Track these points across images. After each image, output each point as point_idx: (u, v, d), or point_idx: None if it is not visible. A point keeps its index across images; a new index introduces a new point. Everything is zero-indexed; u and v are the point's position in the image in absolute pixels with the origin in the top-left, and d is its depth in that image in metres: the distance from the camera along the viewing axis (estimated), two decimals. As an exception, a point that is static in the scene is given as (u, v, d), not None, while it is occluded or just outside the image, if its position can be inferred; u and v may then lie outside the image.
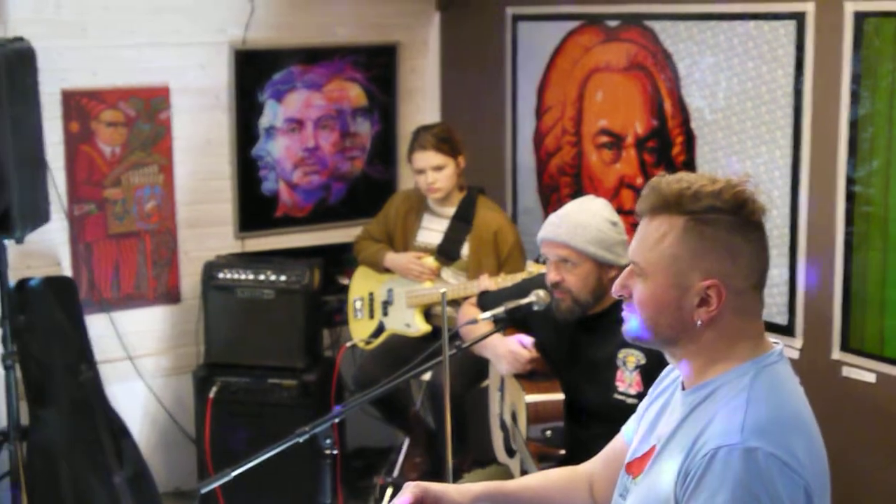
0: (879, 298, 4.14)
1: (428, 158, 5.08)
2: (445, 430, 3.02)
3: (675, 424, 2.16)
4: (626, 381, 3.56)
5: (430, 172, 5.08)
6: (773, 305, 4.50)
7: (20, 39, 4.69)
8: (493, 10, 5.77)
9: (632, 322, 2.21)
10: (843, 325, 4.26)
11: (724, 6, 4.60)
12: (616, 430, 2.56)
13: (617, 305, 3.19)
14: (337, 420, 3.22)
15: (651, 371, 3.22)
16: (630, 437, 2.43)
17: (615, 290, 2.22)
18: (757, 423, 2.00)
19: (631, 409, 2.57)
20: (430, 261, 5.14)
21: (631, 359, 3.55)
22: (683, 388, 2.21)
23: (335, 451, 3.26)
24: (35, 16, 5.09)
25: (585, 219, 3.64)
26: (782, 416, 2.04)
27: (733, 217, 2.09)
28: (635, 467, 2.25)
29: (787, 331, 4.46)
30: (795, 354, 4.43)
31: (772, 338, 2.22)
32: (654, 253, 2.13)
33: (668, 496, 2.07)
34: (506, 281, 4.54)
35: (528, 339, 3.81)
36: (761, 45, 4.47)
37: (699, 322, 2.11)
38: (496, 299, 3.94)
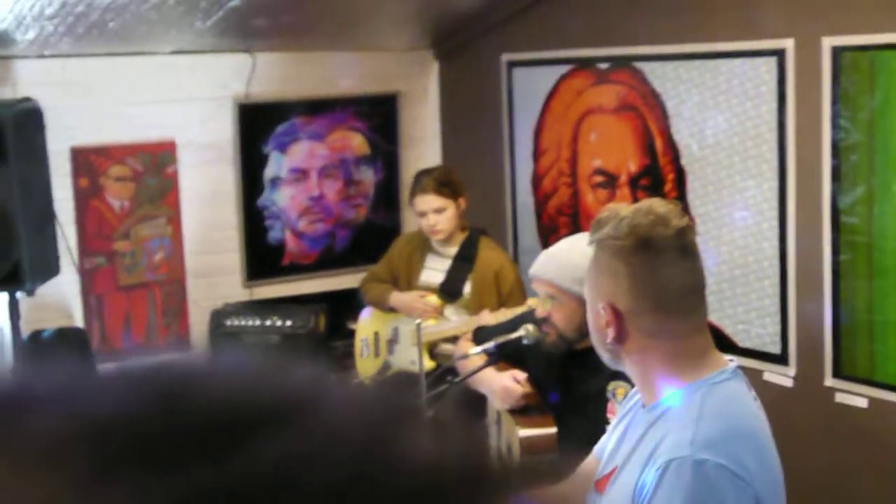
0: (868, 324, 4.22)
1: (429, 202, 5.20)
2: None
3: (634, 442, 2.26)
4: (617, 413, 3.64)
5: (432, 215, 5.20)
6: (766, 335, 4.59)
7: (28, 100, 4.84)
8: (489, 57, 5.91)
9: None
10: (834, 351, 4.34)
11: (708, 45, 4.73)
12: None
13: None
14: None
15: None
16: (600, 455, 2.52)
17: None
18: (707, 437, 2.07)
19: None
20: (433, 299, 5.24)
21: (620, 391, 3.62)
22: (643, 407, 2.30)
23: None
24: (43, 77, 5.26)
25: (572, 257, 3.72)
26: (732, 430, 2.12)
27: (618, 242, 2.22)
28: (601, 484, 2.34)
29: (780, 360, 4.54)
30: (789, 382, 4.51)
31: (727, 356, 2.31)
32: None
33: None
34: (503, 316, 4.64)
35: (522, 375, 3.90)
36: (745, 82, 4.59)
37: (609, 340, 2.26)
38: (490, 334, 4.03)
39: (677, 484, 2.04)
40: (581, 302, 3.70)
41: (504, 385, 3.88)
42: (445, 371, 3.94)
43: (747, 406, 2.23)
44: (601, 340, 2.30)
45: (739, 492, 2.04)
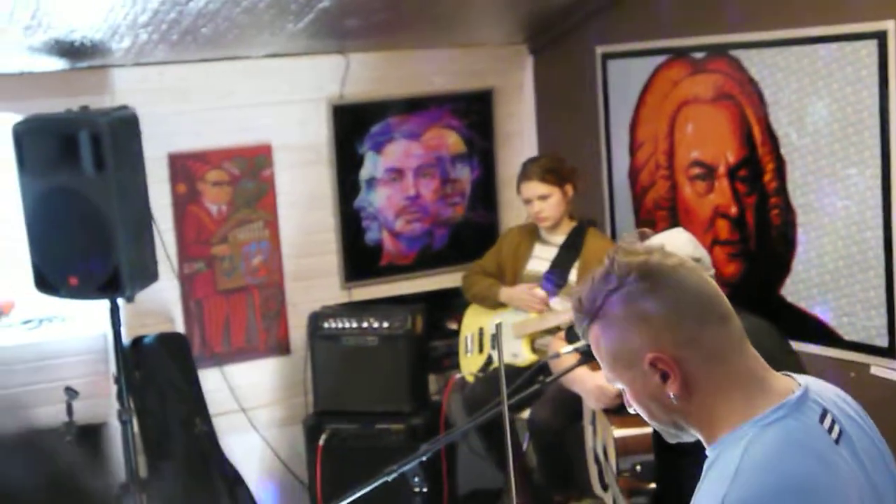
0: (979, 315, 4.06)
1: (533, 188, 5.22)
2: (508, 467, 3.05)
3: (699, 487, 2.02)
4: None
5: (537, 202, 5.22)
6: (872, 328, 4.44)
7: (124, 107, 4.91)
8: (584, 49, 5.83)
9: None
10: (945, 343, 4.19)
11: (806, 30, 4.59)
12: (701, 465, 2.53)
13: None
14: (424, 458, 3.29)
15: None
16: None
17: (629, 407, 2.09)
18: (739, 497, 1.81)
19: None
20: (541, 291, 5.23)
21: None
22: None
23: (425, 489, 3.32)
24: (140, 84, 5.32)
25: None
26: (775, 487, 1.81)
27: (614, 293, 1.98)
28: None
29: (888, 353, 4.39)
30: (898, 377, 4.36)
31: (798, 377, 2.01)
32: (605, 363, 2.04)
33: None
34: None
35: (616, 373, 3.83)
36: (844, 66, 4.44)
37: (675, 397, 1.95)
38: (582, 333, 3.96)
39: None
40: None
41: (598, 384, 3.82)
42: (538, 370, 3.89)
43: (808, 448, 1.87)
44: (660, 406, 1.98)
45: None
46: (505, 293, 5.38)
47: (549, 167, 5.24)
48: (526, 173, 5.28)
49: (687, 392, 1.94)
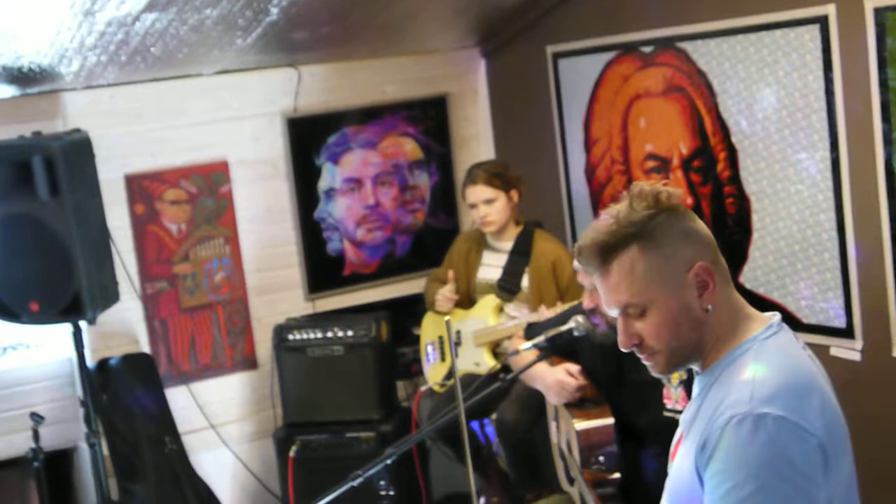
0: (933, 290, 4.10)
1: (478, 192, 5.20)
2: (467, 468, 3.07)
3: (694, 408, 2.24)
4: (673, 397, 3.58)
5: (482, 206, 5.20)
6: (830, 310, 4.48)
7: (77, 131, 4.90)
8: (535, 50, 5.86)
9: (657, 362, 2.25)
10: (901, 321, 4.22)
11: (749, 19, 4.63)
12: (669, 448, 2.58)
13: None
14: (389, 461, 3.29)
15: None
16: None
17: (624, 346, 2.24)
18: (765, 391, 2.06)
19: None
20: (446, 289, 5.26)
21: (674, 375, 3.57)
22: (701, 372, 2.27)
23: (391, 493, 3.33)
24: (92, 107, 5.32)
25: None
26: (789, 381, 2.10)
27: (661, 212, 2.18)
28: (673, 453, 2.33)
29: (846, 333, 4.43)
30: (857, 356, 4.39)
31: (768, 312, 2.28)
32: (638, 284, 2.18)
33: (691, 470, 2.14)
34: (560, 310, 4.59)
35: (575, 368, 3.85)
36: (789, 52, 4.49)
37: (709, 307, 2.18)
38: (540, 329, 3.99)
39: (738, 439, 2.03)
40: None
41: (557, 379, 3.84)
42: (500, 370, 3.91)
43: (799, 356, 2.21)
44: (692, 321, 2.19)
45: (803, 442, 2.03)
46: (437, 298, 5.40)
47: (494, 171, 5.22)
48: (471, 178, 5.26)
49: (717, 305, 2.20)
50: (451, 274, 5.37)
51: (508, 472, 5.13)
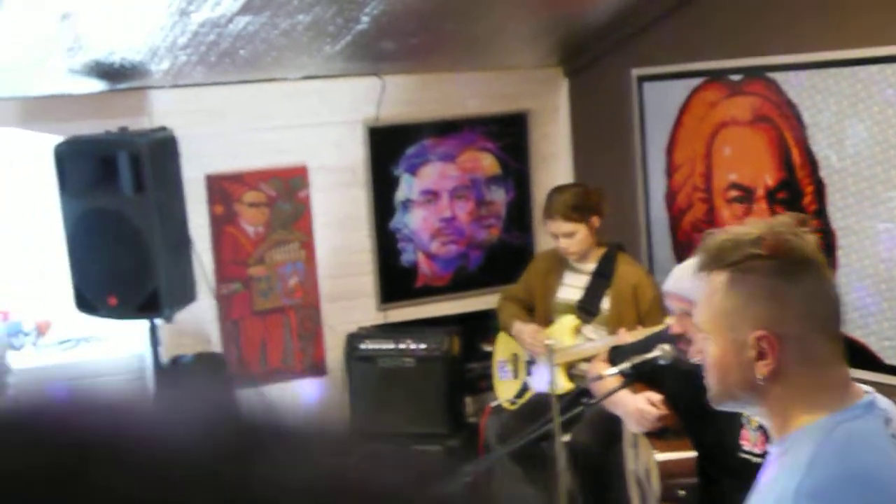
0: None
1: (558, 227, 5.17)
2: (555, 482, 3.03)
3: (765, 479, 2.11)
4: (751, 440, 3.52)
5: (563, 239, 5.17)
6: (914, 351, 4.42)
7: (163, 129, 4.94)
8: (619, 72, 5.83)
9: (709, 388, 2.14)
10: None
11: (846, 52, 4.58)
12: (746, 487, 2.53)
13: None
14: (466, 480, 3.28)
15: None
16: None
17: (694, 357, 2.19)
18: (813, 485, 1.89)
19: (757, 468, 2.53)
20: (545, 336, 5.18)
21: (754, 420, 3.52)
22: (774, 438, 2.14)
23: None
24: (178, 106, 5.35)
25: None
26: (845, 477, 1.92)
27: (774, 262, 2.01)
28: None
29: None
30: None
31: (865, 386, 2.11)
32: (709, 312, 2.09)
33: None
34: (641, 335, 4.55)
35: (657, 397, 3.81)
36: (884, 88, 4.43)
37: (760, 378, 2.01)
38: (625, 354, 3.95)
39: None
40: None
41: (638, 407, 3.79)
42: (580, 393, 3.88)
43: (875, 446, 1.99)
44: (741, 379, 2.04)
45: None
46: (517, 329, 5.36)
47: (572, 204, 5.15)
48: (549, 211, 5.20)
49: (772, 380, 2.01)
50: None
51: (577, 496, 5.09)
